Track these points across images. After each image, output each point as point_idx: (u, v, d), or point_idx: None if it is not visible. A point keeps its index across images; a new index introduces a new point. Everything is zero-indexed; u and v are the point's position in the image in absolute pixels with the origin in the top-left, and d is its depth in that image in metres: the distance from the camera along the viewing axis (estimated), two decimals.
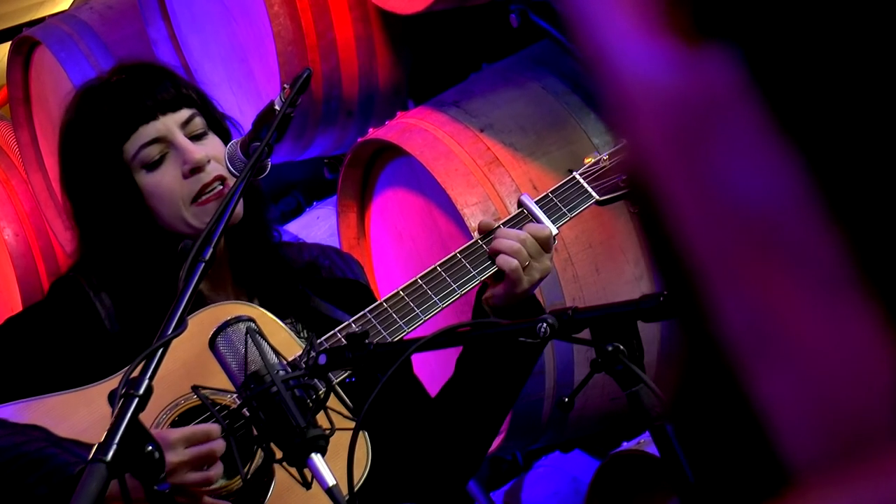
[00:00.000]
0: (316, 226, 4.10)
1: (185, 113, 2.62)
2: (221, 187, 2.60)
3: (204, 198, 2.60)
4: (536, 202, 2.68)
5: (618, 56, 0.65)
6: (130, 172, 2.60)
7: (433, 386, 2.81)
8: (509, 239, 2.62)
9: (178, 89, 2.65)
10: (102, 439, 2.08)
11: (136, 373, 2.15)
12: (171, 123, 2.61)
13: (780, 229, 0.62)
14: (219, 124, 2.70)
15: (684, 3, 0.63)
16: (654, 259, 0.68)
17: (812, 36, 0.61)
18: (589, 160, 2.73)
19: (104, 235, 2.64)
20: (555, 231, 2.67)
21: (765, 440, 0.64)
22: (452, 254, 2.64)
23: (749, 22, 0.62)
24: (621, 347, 2.21)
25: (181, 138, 2.60)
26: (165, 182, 2.60)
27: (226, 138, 2.68)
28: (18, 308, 4.51)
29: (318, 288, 2.76)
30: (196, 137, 2.63)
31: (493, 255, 2.63)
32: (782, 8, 0.61)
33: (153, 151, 2.60)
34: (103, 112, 2.61)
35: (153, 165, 2.61)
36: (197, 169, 2.59)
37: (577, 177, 2.71)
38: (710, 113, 0.63)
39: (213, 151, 2.62)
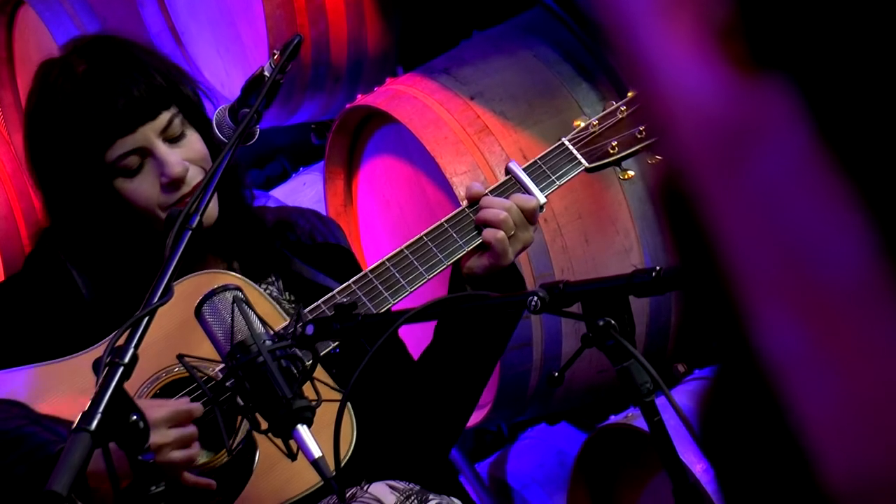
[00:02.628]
0: (302, 192, 4.07)
1: (163, 118, 2.55)
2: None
3: (184, 201, 2.53)
4: (524, 169, 2.64)
5: (667, 72, 0.64)
6: (109, 175, 2.55)
7: (415, 352, 2.78)
8: (494, 208, 2.57)
9: (149, 82, 2.56)
10: (87, 408, 2.05)
11: (121, 341, 2.13)
12: (149, 133, 2.54)
13: (828, 254, 0.60)
14: (195, 112, 2.62)
15: (739, 32, 0.62)
16: (688, 273, 0.67)
17: (870, 71, 0.60)
18: (578, 123, 2.68)
19: (77, 220, 2.60)
20: (542, 200, 2.61)
21: (804, 464, 0.62)
22: (439, 222, 2.60)
23: (806, 55, 0.60)
24: (612, 322, 2.19)
25: (161, 147, 2.55)
26: (143, 189, 2.55)
27: (203, 124, 2.61)
28: None
29: (299, 251, 2.73)
30: (175, 140, 2.57)
31: (479, 224, 2.58)
32: (841, 43, 0.60)
33: (132, 161, 2.55)
34: (76, 116, 2.54)
35: (132, 173, 2.55)
36: (177, 181, 2.54)
37: (566, 143, 2.66)
38: (757, 138, 0.62)
39: (191, 153, 2.57)
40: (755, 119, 0.62)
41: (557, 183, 2.63)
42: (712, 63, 0.62)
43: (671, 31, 0.63)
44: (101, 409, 2.06)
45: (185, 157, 2.55)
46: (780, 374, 0.63)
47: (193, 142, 2.58)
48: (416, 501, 2.48)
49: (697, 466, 2.97)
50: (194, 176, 2.55)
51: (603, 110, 2.71)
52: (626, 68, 0.65)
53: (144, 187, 2.55)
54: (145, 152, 2.54)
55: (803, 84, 0.61)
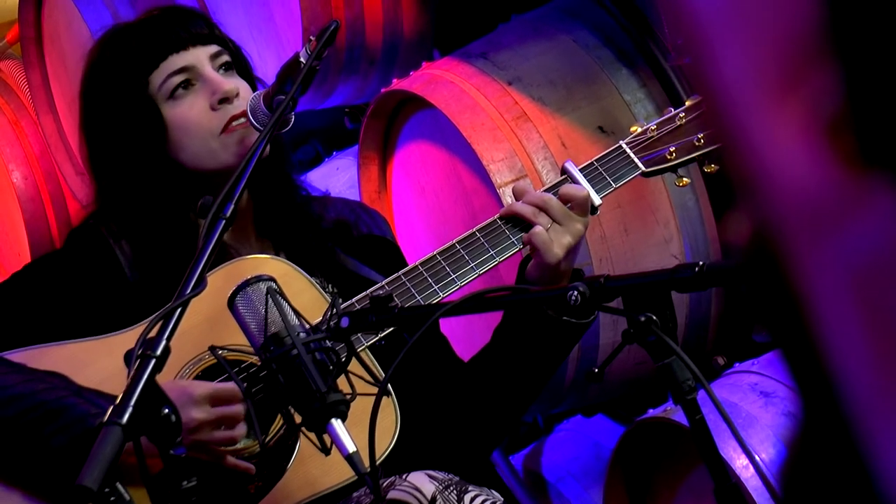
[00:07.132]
0: (335, 176, 4.03)
1: (214, 47, 2.60)
2: (245, 121, 2.54)
3: (231, 126, 2.56)
4: (580, 169, 2.61)
5: (771, 156, 0.63)
6: (156, 104, 2.56)
7: (455, 349, 2.75)
8: (525, 203, 2.53)
9: (211, 28, 2.64)
10: (118, 401, 2.02)
11: (153, 333, 2.09)
12: (201, 55, 2.59)
13: None
14: (248, 72, 2.67)
15: (850, 128, 0.61)
16: (774, 324, 0.64)
17: None
18: (635, 129, 2.67)
19: (125, 179, 2.59)
20: (598, 201, 2.59)
21: None
22: (492, 219, 2.59)
23: None
24: (654, 318, 2.14)
25: (210, 70, 2.58)
26: (193, 113, 2.57)
27: (252, 87, 2.63)
28: (26, 252, 4.47)
29: (345, 244, 2.71)
30: (225, 70, 2.60)
31: (503, 218, 2.56)
32: None
33: (181, 80, 2.58)
34: (132, 45, 2.59)
35: (181, 95, 2.57)
36: (225, 100, 2.56)
37: (624, 146, 2.64)
38: (857, 219, 0.61)
39: (242, 87, 2.60)
40: (857, 204, 0.61)
41: (613, 185, 2.62)
42: (819, 155, 0.61)
43: (779, 117, 0.62)
44: (132, 402, 2.02)
45: (236, 85, 2.59)
46: (867, 439, 0.61)
47: (244, 83, 2.61)
48: (455, 492, 2.45)
49: (737, 462, 2.92)
50: (243, 103, 2.55)
51: (661, 116, 2.69)
52: (725, 140, 0.64)
53: (195, 111, 2.56)
54: (194, 73, 2.57)
55: None
